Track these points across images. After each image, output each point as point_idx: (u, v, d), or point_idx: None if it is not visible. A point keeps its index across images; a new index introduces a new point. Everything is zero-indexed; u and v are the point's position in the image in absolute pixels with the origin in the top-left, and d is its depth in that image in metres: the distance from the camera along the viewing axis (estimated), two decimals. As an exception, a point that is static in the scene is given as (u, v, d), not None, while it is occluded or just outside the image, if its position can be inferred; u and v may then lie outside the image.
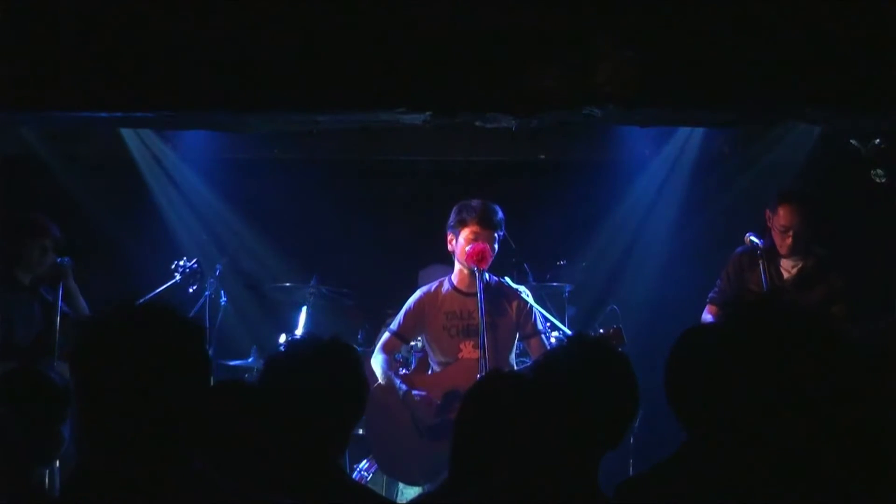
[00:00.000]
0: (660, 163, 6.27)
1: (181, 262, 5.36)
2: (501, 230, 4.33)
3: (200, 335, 1.74)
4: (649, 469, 2.23)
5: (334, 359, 2.25)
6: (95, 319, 1.69)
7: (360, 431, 4.68)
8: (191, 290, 5.37)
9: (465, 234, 4.27)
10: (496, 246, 4.28)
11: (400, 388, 4.28)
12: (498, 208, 4.33)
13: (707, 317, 4.80)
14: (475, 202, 4.30)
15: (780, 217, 4.64)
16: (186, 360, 1.70)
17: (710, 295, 4.89)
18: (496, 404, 2.33)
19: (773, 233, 4.70)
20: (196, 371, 1.71)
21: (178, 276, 5.31)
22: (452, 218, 4.33)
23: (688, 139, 6.07)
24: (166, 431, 1.65)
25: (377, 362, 4.40)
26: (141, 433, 1.63)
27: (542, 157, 6.36)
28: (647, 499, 2.11)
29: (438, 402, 4.20)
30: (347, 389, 2.24)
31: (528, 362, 4.54)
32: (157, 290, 5.14)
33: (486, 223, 4.24)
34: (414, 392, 4.25)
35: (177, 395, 1.66)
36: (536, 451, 2.13)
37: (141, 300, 1.91)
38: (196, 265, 5.37)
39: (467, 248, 4.21)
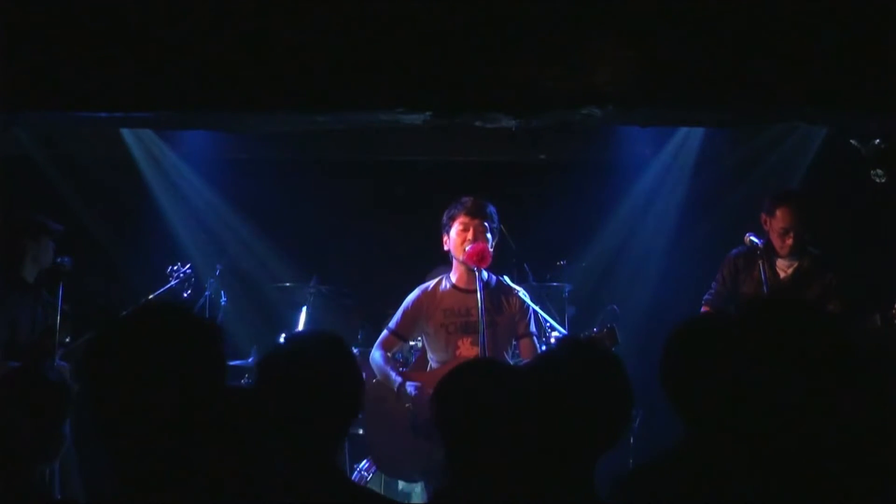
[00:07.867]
0: (660, 163, 6.28)
1: (175, 267, 5.38)
2: (494, 223, 4.34)
3: (217, 335, 1.74)
4: (646, 463, 2.23)
5: (328, 353, 2.21)
6: (113, 320, 1.69)
7: (360, 431, 4.69)
8: (185, 295, 5.39)
9: (455, 227, 4.31)
10: (489, 237, 4.29)
11: (395, 379, 4.28)
12: (487, 202, 4.36)
13: None
14: (463, 198, 4.36)
15: (779, 219, 4.70)
16: (203, 360, 1.69)
17: (706, 297, 4.94)
18: (469, 396, 2.19)
19: (770, 235, 4.74)
20: (212, 371, 1.71)
21: (173, 281, 5.34)
22: (443, 218, 4.38)
23: (687, 139, 6.08)
24: (180, 431, 1.65)
25: (374, 359, 4.41)
26: (154, 433, 1.63)
27: (542, 157, 6.37)
28: (644, 493, 2.11)
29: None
30: (342, 384, 2.19)
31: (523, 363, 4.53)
32: (153, 295, 5.15)
33: (472, 212, 4.29)
34: (408, 384, 4.24)
35: (193, 394, 1.66)
36: (530, 454, 2.12)
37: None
38: (190, 270, 5.39)
39: (466, 248, 4.22)
